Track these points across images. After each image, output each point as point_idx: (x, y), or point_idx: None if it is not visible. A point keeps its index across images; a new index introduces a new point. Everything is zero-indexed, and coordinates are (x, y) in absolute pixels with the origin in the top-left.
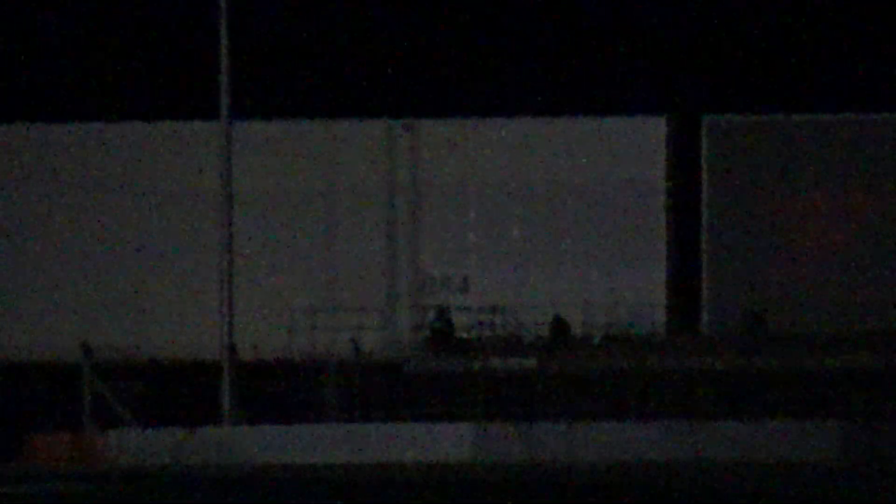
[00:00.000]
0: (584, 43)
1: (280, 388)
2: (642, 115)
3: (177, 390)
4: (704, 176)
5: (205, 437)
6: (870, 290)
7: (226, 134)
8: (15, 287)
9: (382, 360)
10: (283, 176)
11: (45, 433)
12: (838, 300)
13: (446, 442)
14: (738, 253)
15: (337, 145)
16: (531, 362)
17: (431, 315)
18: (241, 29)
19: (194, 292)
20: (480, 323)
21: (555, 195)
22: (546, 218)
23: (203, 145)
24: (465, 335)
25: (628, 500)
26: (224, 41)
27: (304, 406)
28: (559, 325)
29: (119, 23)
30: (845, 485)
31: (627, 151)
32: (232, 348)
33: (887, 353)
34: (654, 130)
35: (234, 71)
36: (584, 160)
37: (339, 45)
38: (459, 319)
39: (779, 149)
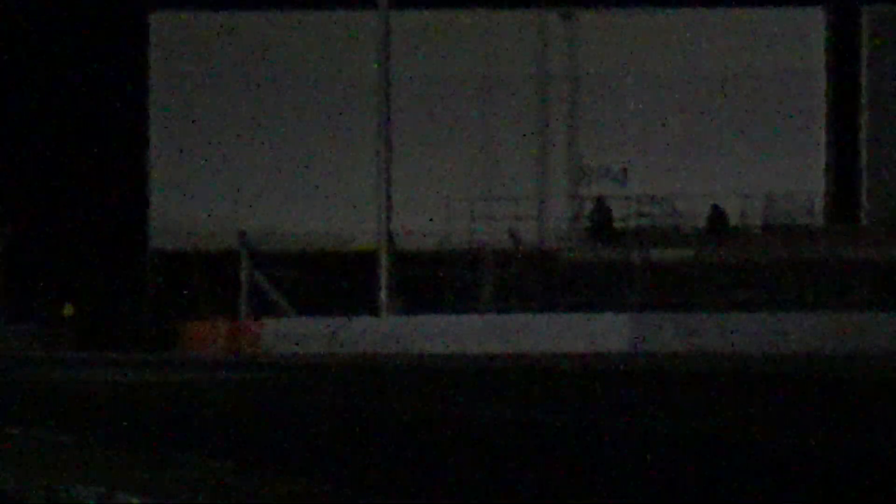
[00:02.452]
0: None
1: (436, 278)
2: (800, 5)
3: (333, 279)
4: (864, 65)
5: (361, 327)
6: None
7: (384, 23)
8: (174, 175)
9: (539, 250)
10: (439, 65)
11: (203, 321)
12: None
13: (603, 332)
14: None
15: (494, 34)
16: (689, 252)
17: (589, 205)
18: None
19: (352, 181)
20: (638, 213)
21: (713, 85)
22: (704, 108)
23: (362, 34)
24: (622, 225)
25: (784, 392)
26: None
27: (461, 296)
28: (717, 214)
29: None
30: None
31: (786, 41)
32: (389, 237)
33: None
34: (812, 20)
35: None
36: (743, 50)
37: None
38: (617, 209)
39: None
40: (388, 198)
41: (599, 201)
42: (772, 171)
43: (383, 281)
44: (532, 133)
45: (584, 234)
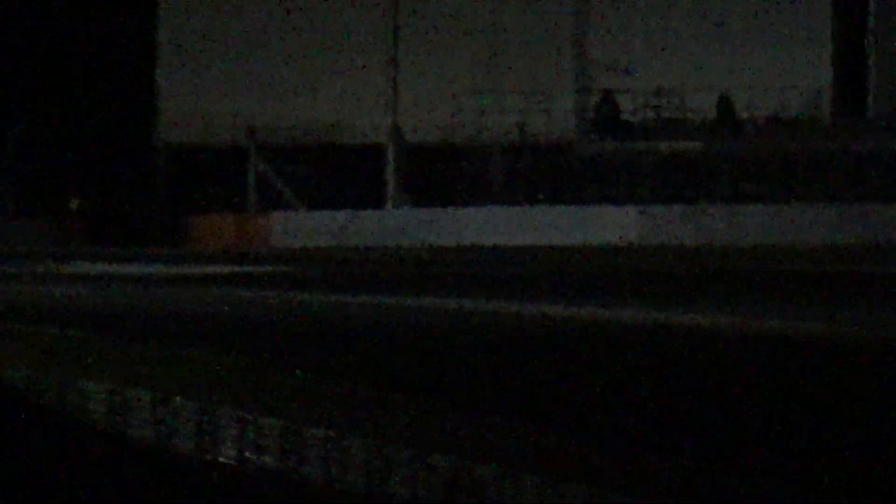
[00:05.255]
0: None
1: (444, 171)
2: None
3: (341, 172)
4: None
5: (369, 220)
6: None
7: None
8: (182, 68)
9: (548, 143)
10: None
11: (211, 214)
12: None
13: (612, 225)
14: None
15: None
16: (697, 145)
17: (597, 98)
18: None
19: (361, 75)
20: (646, 105)
21: None
22: None
23: None
24: (630, 118)
25: (794, 285)
26: None
27: (469, 189)
28: (725, 106)
29: None
30: None
31: None
32: (397, 130)
33: None
34: None
35: None
36: None
37: None
38: (625, 102)
39: None
40: (396, 90)
41: (607, 94)
42: (778, 63)
43: (391, 174)
44: (540, 25)
45: (592, 127)
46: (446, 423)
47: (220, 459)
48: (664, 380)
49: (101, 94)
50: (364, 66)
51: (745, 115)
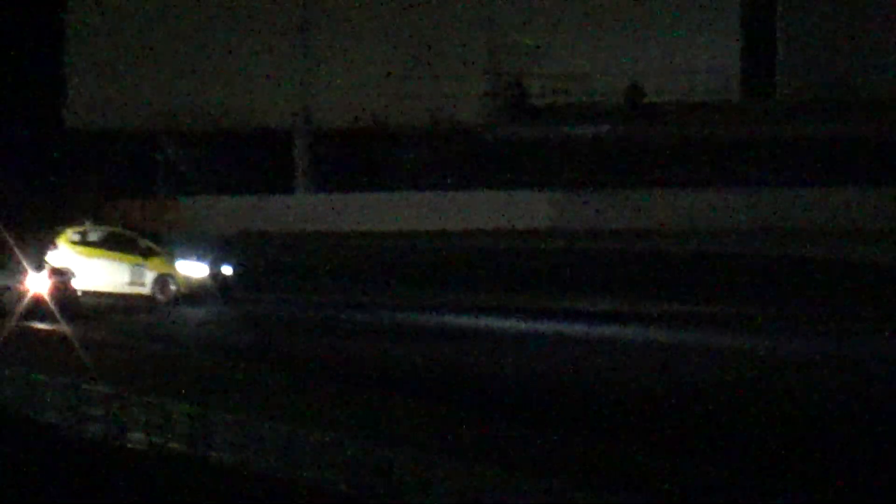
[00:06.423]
0: None
1: (354, 156)
2: None
3: (252, 157)
4: None
5: (278, 205)
6: None
7: None
8: (91, 53)
9: (459, 127)
10: None
11: (122, 199)
12: None
13: (522, 209)
14: (815, 15)
15: None
16: (606, 129)
17: (506, 82)
18: None
19: (273, 59)
20: (555, 90)
21: None
22: None
23: None
24: (539, 102)
25: (711, 268)
26: None
27: (380, 174)
28: (635, 91)
29: None
30: None
31: None
32: (307, 115)
33: None
34: None
35: None
36: None
37: None
38: (534, 86)
39: None
40: (307, 76)
41: (516, 78)
42: (687, 47)
43: (300, 159)
44: (452, 11)
45: (502, 111)
46: (358, 406)
47: (128, 445)
48: (600, 364)
49: (9, 79)
50: (277, 51)
51: (654, 99)
